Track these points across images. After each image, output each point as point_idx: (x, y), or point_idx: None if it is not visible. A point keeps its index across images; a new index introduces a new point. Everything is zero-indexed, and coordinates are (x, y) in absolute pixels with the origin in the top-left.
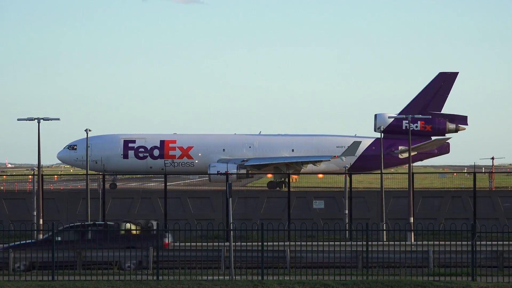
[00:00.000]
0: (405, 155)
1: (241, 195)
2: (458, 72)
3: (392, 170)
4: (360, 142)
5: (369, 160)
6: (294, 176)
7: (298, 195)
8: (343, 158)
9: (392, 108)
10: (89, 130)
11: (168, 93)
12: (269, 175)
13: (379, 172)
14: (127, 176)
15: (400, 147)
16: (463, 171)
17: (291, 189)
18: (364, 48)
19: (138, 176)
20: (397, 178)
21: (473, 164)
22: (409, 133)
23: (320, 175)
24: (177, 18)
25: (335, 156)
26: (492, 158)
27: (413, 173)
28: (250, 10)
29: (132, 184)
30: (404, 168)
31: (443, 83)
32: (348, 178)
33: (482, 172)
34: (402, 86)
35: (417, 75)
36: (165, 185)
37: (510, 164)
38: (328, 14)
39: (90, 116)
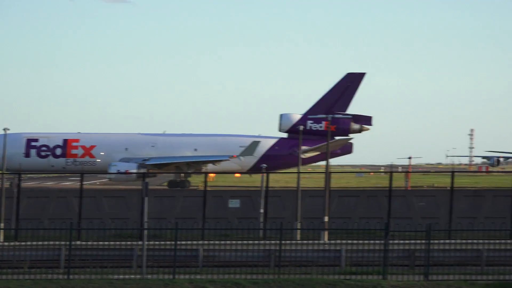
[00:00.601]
0: (308, 155)
1: (157, 194)
2: (365, 73)
3: (309, 169)
4: (259, 142)
5: (272, 160)
6: (211, 175)
7: (215, 194)
8: (242, 158)
9: (299, 108)
10: (8, 130)
11: (76, 93)
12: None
13: (296, 171)
14: (43, 175)
15: (303, 147)
16: (380, 171)
17: (208, 188)
18: (272, 48)
19: (55, 175)
20: (314, 177)
21: (390, 163)
22: (328, 134)
23: (238, 174)
24: (101, 17)
25: (233, 156)
26: (410, 158)
27: (330, 173)
28: (174, 10)
29: (48, 183)
30: (321, 167)
31: (350, 83)
32: (265, 177)
33: (399, 172)
34: (310, 87)
35: (325, 75)
36: (81, 184)
37: (427, 164)
38: (230, 13)
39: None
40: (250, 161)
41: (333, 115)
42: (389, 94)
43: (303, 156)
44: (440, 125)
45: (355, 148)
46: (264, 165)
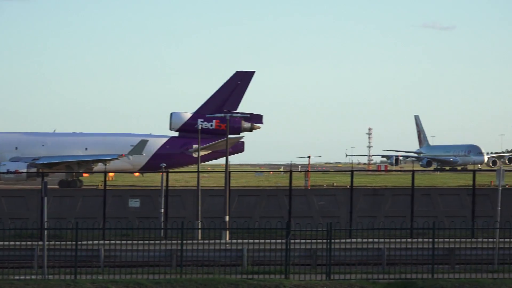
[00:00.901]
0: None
1: (56, 194)
2: (254, 71)
3: (209, 168)
4: (147, 141)
5: (163, 158)
6: (111, 174)
7: (114, 193)
8: (130, 156)
9: (190, 107)
10: None
11: None
12: (86, 174)
13: (196, 171)
14: None
15: (194, 146)
16: (280, 170)
17: (107, 188)
18: (162, 47)
19: None
20: (214, 176)
21: (290, 162)
22: (227, 132)
23: (137, 174)
24: None
25: (122, 155)
26: (309, 157)
27: (230, 172)
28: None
29: None
30: (221, 166)
31: (239, 81)
32: (164, 177)
33: (298, 171)
34: (201, 85)
35: (215, 74)
36: None
37: (326, 163)
38: (121, 9)
39: None
40: (141, 160)
41: (231, 114)
42: (285, 93)
43: (194, 154)
44: (339, 124)
45: (249, 147)
46: (164, 164)
